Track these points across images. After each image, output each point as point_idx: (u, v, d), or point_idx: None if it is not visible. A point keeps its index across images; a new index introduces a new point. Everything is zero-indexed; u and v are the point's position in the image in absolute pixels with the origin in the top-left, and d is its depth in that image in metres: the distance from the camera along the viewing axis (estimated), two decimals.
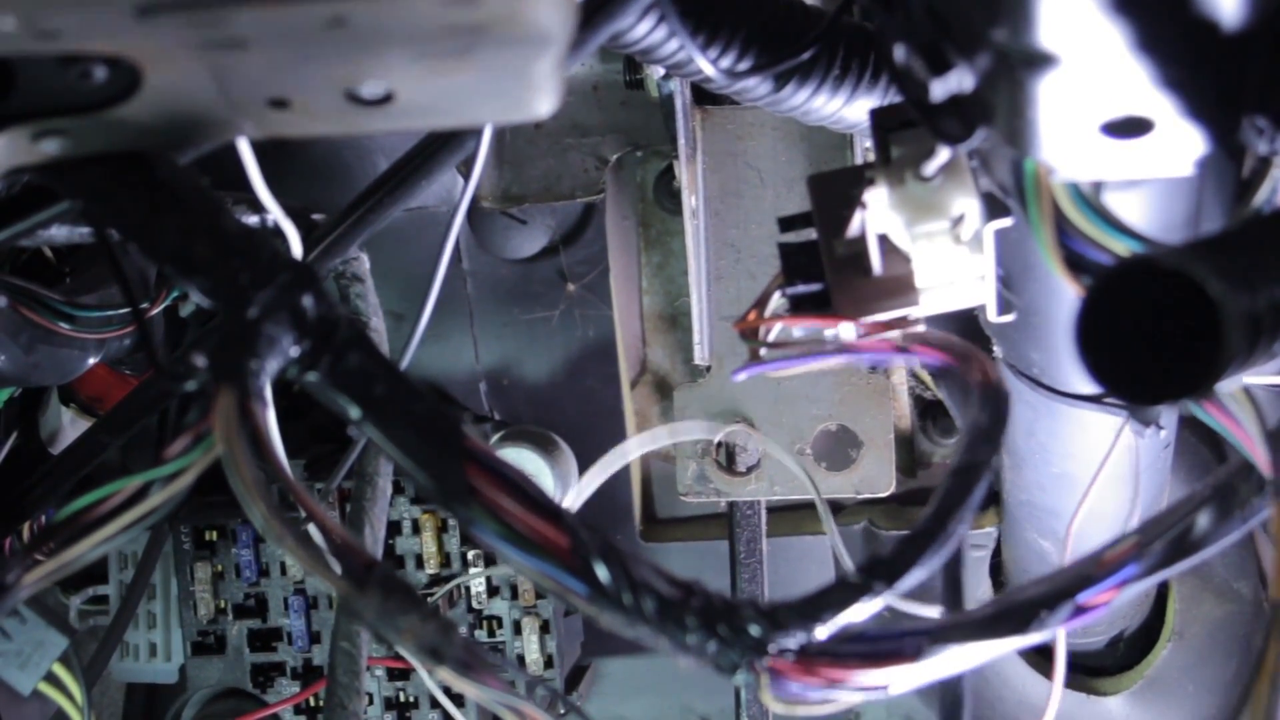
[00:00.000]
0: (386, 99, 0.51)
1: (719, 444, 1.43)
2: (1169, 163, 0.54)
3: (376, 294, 1.21)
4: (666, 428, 1.39)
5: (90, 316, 1.12)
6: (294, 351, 0.52)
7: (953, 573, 0.57)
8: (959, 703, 0.59)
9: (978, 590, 1.47)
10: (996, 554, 1.45)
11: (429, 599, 1.35)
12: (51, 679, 1.07)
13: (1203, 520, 0.54)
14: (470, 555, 1.38)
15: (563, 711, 1.35)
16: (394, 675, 1.40)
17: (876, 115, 0.66)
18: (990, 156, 0.63)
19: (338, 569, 0.49)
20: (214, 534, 1.41)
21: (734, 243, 1.38)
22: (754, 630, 0.49)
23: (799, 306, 0.68)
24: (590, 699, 1.59)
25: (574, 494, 1.33)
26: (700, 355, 1.39)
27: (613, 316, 1.44)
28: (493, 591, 1.39)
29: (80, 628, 1.44)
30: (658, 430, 1.38)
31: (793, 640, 0.49)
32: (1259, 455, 0.54)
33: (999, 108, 0.55)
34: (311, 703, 1.42)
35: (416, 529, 1.38)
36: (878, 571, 0.50)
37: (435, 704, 1.38)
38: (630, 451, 1.33)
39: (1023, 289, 0.78)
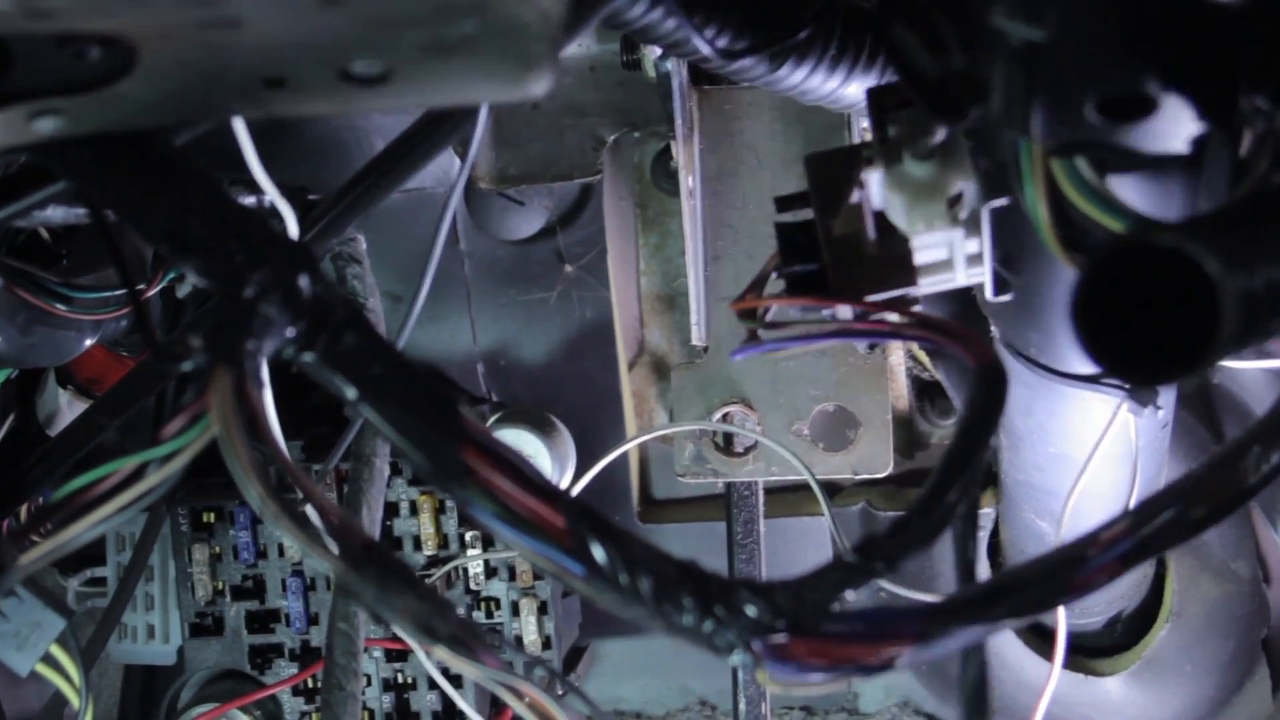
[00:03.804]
0: (382, 78, 0.51)
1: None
2: (1166, 142, 0.54)
3: (373, 275, 1.21)
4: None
5: (87, 298, 1.12)
6: (290, 332, 0.52)
7: (964, 555, 0.57)
8: (982, 690, 0.58)
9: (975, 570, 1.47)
10: (994, 534, 1.45)
11: (426, 580, 1.35)
12: (49, 660, 1.07)
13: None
14: (468, 537, 1.38)
15: (561, 692, 1.35)
16: (392, 656, 1.40)
17: (873, 95, 0.66)
18: (987, 136, 0.63)
19: (335, 550, 0.49)
20: (211, 516, 1.41)
21: (731, 223, 1.38)
22: (750, 611, 0.49)
23: (796, 287, 0.68)
24: (588, 680, 1.60)
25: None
26: (698, 336, 1.38)
27: (610, 297, 1.44)
28: (491, 573, 1.39)
29: (78, 609, 1.44)
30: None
31: (789, 621, 0.49)
32: None
33: (996, 87, 0.54)
34: (310, 684, 1.42)
35: (414, 510, 1.38)
36: (874, 551, 0.51)
37: (433, 685, 1.38)
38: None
39: (1020, 268, 0.78)
